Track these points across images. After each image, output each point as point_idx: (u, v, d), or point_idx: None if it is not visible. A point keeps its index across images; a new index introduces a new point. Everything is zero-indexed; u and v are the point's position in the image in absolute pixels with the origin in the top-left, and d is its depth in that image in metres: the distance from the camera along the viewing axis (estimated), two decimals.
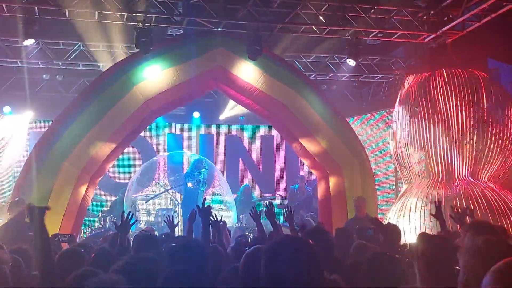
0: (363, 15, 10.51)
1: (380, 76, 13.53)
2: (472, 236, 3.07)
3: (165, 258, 4.12)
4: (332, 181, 11.19)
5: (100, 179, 11.08)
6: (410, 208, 10.08)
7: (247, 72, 10.75)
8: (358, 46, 10.94)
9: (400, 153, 10.89)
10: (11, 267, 3.62)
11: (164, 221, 7.81)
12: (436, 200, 6.35)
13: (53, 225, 9.21)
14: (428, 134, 10.30)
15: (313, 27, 10.70)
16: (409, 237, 9.04)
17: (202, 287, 3.12)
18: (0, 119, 13.00)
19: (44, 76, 12.43)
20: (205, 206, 5.51)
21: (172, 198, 13.36)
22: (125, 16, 9.94)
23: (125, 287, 2.62)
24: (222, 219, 7.30)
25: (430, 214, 6.11)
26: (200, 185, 12.25)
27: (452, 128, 10.08)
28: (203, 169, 12.43)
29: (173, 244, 4.48)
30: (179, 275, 3.09)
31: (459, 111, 10.09)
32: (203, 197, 5.85)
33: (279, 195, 14.18)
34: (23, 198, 8.48)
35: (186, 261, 3.50)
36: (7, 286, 3.01)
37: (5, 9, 9.43)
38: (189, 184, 12.09)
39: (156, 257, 3.20)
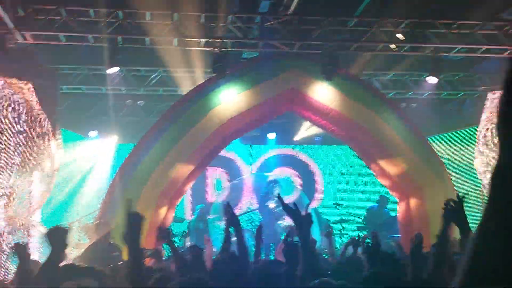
0: (444, 30, 10.15)
1: (464, 92, 12.98)
2: None
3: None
4: (413, 202, 10.78)
5: (178, 200, 11.33)
6: None
7: (322, 93, 10.65)
8: (439, 63, 10.56)
9: (486, 174, 10.31)
10: None
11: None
12: None
13: None
14: None
15: (391, 45, 10.46)
16: None
17: None
18: (88, 143, 13.64)
19: (127, 101, 12.93)
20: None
21: (250, 219, 13.41)
22: (203, 42, 10.20)
23: None
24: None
25: None
26: (277, 206, 12.19)
27: None
28: (278, 190, 12.38)
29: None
30: None
31: None
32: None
33: (359, 218, 13.82)
34: (107, 221, 8.80)
35: None
36: None
37: (90, 39, 9.96)
38: (271, 205, 12.09)
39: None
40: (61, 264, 3.79)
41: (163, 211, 10.46)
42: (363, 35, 10.40)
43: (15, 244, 4.71)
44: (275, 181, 12.86)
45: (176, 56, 10.97)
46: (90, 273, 4.00)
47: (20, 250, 4.47)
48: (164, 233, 5.10)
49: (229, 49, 10.24)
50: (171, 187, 10.44)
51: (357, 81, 11.07)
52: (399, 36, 10.33)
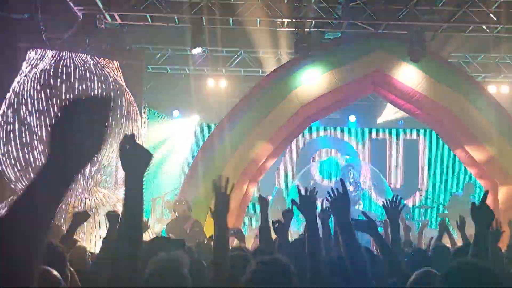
0: None
1: None
2: None
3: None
4: (502, 192, 10.27)
5: (258, 180, 11.46)
6: None
7: (408, 75, 10.31)
8: None
9: None
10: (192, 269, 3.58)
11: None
12: None
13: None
14: None
15: (483, 26, 9.92)
16: None
17: None
18: (170, 122, 13.99)
19: (208, 82, 13.12)
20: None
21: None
22: (285, 22, 10.12)
23: None
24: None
25: None
26: (354, 189, 12.09)
27: None
28: (353, 173, 12.26)
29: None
30: None
31: None
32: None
33: (440, 203, 13.34)
34: (184, 199, 9.04)
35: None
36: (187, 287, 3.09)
37: (176, 20, 10.16)
38: (350, 188, 12.00)
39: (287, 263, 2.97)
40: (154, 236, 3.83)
41: (243, 190, 10.60)
42: (453, 15, 9.93)
43: (108, 213, 4.84)
44: (350, 165, 12.70)
45: (259, 37, 10.97)
46: (181, 246, 4.06)
47: (113, 219, 4.58)
48: (264, 203, 5.01)
49: (312, 29, 10.10)
50: (251, 166, 10.55)
51: (445, 64, 10.62)
52: (492, 16, 9.77)
